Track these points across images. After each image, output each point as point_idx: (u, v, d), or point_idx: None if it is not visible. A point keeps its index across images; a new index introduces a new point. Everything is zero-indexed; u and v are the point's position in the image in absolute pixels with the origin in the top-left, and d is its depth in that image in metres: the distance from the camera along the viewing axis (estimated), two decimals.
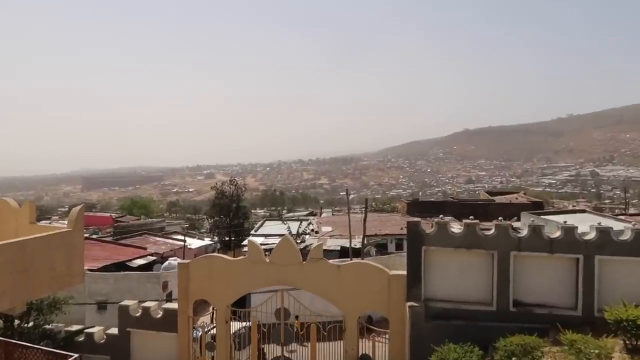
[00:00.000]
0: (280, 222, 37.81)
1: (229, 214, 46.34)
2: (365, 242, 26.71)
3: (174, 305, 15.17)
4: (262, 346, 15.11)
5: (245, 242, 30.42)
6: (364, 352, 13.51)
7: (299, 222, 34.51)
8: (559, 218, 22.49)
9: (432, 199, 69.74)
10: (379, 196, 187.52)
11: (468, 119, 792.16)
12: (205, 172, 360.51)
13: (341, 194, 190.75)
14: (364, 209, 31.43)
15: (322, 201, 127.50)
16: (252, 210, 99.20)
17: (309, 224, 34.87)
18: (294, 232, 31.02)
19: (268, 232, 33.15)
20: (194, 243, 37.21)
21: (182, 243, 33.41)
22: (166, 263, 25.11)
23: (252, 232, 35.28)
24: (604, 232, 11.96)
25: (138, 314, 15.26)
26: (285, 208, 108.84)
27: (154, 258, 28.25)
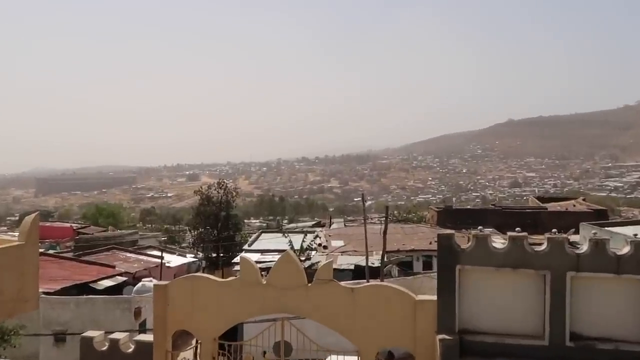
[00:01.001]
0: (279, 234, 37.92)
1: (216, 225, 46.55)
2: (386, 259, 26.77)
3: (148, 337, 15.23)
4: None
5: (236, 260, 30.54)
6: None
7: (303, 235, 34.60)
8: (628, 230, 22.33)
9: (469, 206, 69.65)
10: (403, 203, 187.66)
11: (512, 108, 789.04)
12: (187, 173, 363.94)
13: (355, 200, 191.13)
14: (383, 219, 31.48)
15: (331, 209, 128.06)
16: (245, 220, 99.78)
17: (315, 237, 34.95)
18: (297, 247, 31.12)
19: (265, 247, 33.26)
20: (173, 260, 37.42)
21: (158, 260, 33.59)
22: (139, 285, 25.23)
23: (245, 247, 35.43)
24: None
25: (104, 348, 15.33)
26: (286, 217, 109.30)
27: (124, 279, 28.40)
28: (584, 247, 12.65)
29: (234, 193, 49.41)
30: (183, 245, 54.38)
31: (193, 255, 43.39)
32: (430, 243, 32.08)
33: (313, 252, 31.51)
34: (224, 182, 49.67)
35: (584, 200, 49.24)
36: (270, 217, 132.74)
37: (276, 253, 29.76)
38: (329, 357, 14.83)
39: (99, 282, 26.46)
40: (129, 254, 35.98)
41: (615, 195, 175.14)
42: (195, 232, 47.97)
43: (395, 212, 61.16)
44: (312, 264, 27.44)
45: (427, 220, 45.69)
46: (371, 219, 54.14)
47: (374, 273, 25.91)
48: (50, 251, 35.97)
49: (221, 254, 44.09)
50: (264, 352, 15.13)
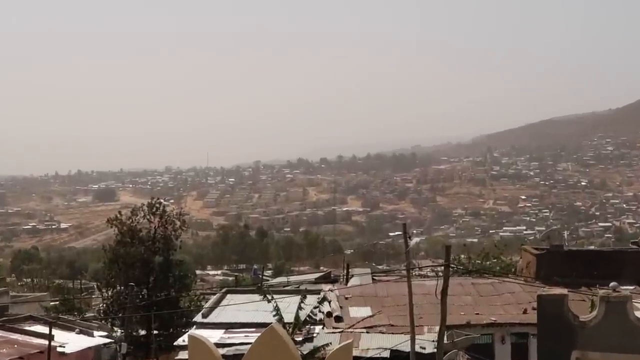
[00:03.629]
0: (258, 296, 37.73)
1: (146, 279, 46.47)
2: (447, 340, 26.72)
3: None
4: None
5: (182, 341, 30.32)
6: None
7: (299, 297, 34.42)
8: None
9: (592, 246, 68.91)
10: (475, 239, 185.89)
11: None
12: (94, 187, 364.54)
13: (391, 234, 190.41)
14: (441, 269, 31.39)
15: (349, 250, 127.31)
16: (199, 271, 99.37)
17: (321, 301, 34.76)
18: (290, 318, 30.93)
19: (232, 319, 33.14)
20: (71, 342, 37.24)
21: (44, 342, 33.49)
22: None
23: (198, 318, 35.29)
24: None
25: None
26: (270, 265, 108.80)
27: None
28: None
29: (179, 223, 49.43)
30: (88, 315, 54.13)
31: (106, 333, 43.15)
32: (526, 312, 31.86)
33: (317, 328, 31.38)
34: (160, 203, 49.71)
35: None
36: (242, 265, 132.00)
37: (252, 329, 29.57)
38: None
39: None
40: None
41: None
42: (110, 293, 47.89)
43: (463, 255, 60.78)
44: (316, 349, 27.37)
45: (520, 270, 45.37)
46: (419, 268, 53.75)
47: None
48: None
49: (156, 331, 43.98)
50: None
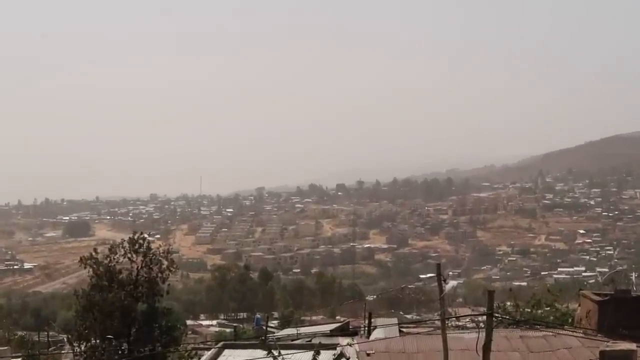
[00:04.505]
0: (262, 351, 37.74)
1: (126, 330, 46.46)
2: None
3: None
4: None
5: None
6: None
7: (312, 354, 34.38)
8: None
9: None
10: (524, 283, 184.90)
11: None
12: (65, 219, 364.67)
13: (422, 277, 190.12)
14: (482, 318, 31.35)
15: (371, 296, 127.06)
16: (190, 321, 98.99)
17: (337, 358, 34.81)
18: None
19: None
20: None
21: None
22: None
23: None
24: None
25: None
26: (276, 314, 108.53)
27: None
28: None
29: (166, 262, 49.49)
30: None
31: None
32: None
33: None
34: (143, 238, 49.80)
35: None
36: (242, 314, 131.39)
37: None
38: None
39: None
40: None
41: None
42: (84, 347, 47.94)
43: (509, 302, 60.50)
44: None
45: (578, 320, 45.13)
46: (457, 318, 53.53)
47: None
48: None
49: None
50: None
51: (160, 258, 49.14)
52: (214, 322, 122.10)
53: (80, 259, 50.79)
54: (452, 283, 35.62)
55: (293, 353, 35.40)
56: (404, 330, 47.01)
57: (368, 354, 36.74)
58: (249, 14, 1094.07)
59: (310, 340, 43.87)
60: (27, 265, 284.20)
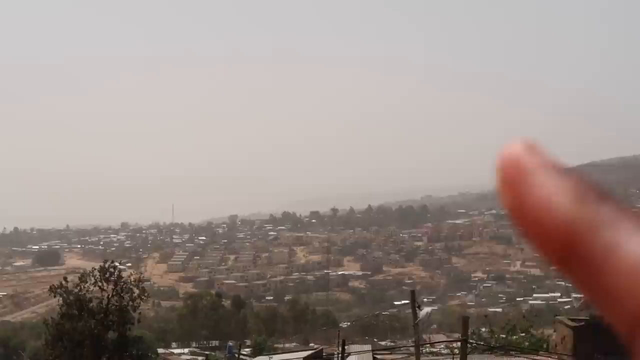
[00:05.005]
0: None
1: (96, 359, 46.18)
2: None
3: None
4: None
5: None
6: None
7: None
8: None
9: None
10: (499, 309, 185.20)
11: None
12: (34, 248, 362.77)
13: (397, 303, 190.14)
14: (458, 344, 31.43)
15: (344, 323, 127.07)
16: (161, 350, 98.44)
17: None
18: None
19: None
20: None
21: None
22: None
23: None
24: None
25: None
26: (249, 341, 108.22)
27: None
28: None
29: (137, 291, 49.34)
30: None
31: None
32: None
33: None
34: (114, 267, 49.65)
35: None
36: (214, 342, 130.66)
37: None
38: None
39: None
40: None
41: None
42: None
43: (484, 328, 60.72)
44: None
45: (553, 346, 45.35)
46: (431, 344, 53.71)
47: None
48: None
49: None
50: None
51: (131, 286, 49.06)
52: (186, 350, 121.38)
53: (50, 287, 50.62)
54: (426, 310, 35.68)
55: None
56: (378, 357, 47.15)
57: None
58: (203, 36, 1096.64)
59: None
60: None
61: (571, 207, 1.19)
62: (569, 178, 1.23)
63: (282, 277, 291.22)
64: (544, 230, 0.91)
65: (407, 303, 40.50)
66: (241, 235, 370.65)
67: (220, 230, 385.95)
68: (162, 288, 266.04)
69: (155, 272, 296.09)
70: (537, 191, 1.23)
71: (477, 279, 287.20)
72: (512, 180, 1.26)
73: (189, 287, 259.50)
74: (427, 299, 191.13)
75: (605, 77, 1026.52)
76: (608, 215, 1.18)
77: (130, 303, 48.47)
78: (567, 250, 1.20)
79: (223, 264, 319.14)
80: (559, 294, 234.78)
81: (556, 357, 39.80)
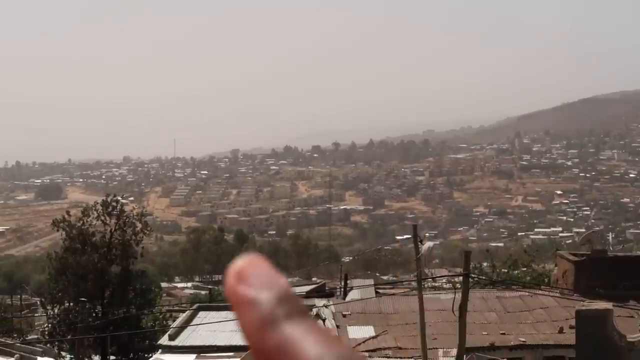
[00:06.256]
0: None
1: (100, 293, 46.37)
2: None
3: None
4: None
5: None
6: None
7: None
8: None
9: None
10: (501, 244, 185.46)
11: None
12: (36, 182, 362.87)
13: (399, 238, 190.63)
14: (458, 279, 31.44)
15: (347, 258, 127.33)
16: (165, 284, 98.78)
17: (314, 318, 34.89)
18: None
19: (205, 342, 33.18)
20: None
21: None
22: None
23: (164, 340, 35.32)
24: None
25: None
26: None
27: None
28: None
29: (140, 225, 49.36)
30: (31, 337, 54.12)
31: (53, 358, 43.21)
32: (562, 331, 31.93)
33: None
34: (117, 201, 49.64)
35: None
36: (217, 277, 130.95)
37: (230, 353, 29.60)
38: None
39: None
40: None
41: None
42: (57, 310, 47.83)
43: (486, 263, 60.89)
44: None
45: (554, 281, 45.41)
46: (433, 279, 53.88)
47: None
48: None
49: (113, 356, 43.96)
50: None
51: (133, 220, 49.04)
52: (189, 284, 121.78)
53: (53, 221, 50.63)
54: (428, 244, 35.57)
55: None
56: (380, 291, 47.24)
57: (344, 315, 36.88)
58: None
59: None
60: None
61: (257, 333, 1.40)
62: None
63: (284, 212, 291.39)
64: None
65: (409, 237, 40.48)
66: (243, 169, 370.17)
67: (222, 165, 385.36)
68: (164, 222, 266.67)
69: (158, 207, 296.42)
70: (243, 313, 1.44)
71: (478, 213, 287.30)
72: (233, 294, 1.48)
73: (191, 222, 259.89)
74: (429, 233, 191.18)
75: (605, 12, 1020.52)
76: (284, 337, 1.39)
77: (133, 237, 48.53)
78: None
79: (225, 198, 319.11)
80: (560, 229, 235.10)
81: (557, 291, 39.87)
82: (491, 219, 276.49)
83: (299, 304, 1.22)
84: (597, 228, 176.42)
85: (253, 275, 1.26)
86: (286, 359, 1.40)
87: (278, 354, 1.42)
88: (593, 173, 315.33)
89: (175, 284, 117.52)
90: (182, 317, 40.55)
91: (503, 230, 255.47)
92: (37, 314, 61.82)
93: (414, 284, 33.67)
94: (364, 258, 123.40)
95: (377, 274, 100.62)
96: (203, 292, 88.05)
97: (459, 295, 27.00)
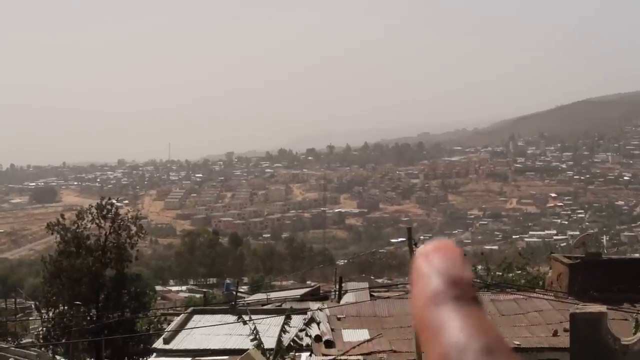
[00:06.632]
0: (232, 316, 37.81)
1: (95, 297, 46.33)
2: None
3: None
4: None
5: None
6: None
7: (283, 319, 34.51)
8: None
9: (636, 254, 69.03)
10: (496, 247, 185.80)
11: None
12: (30, 185, 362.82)
13: (394, 241, 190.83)
14: None
15: (341, 261, 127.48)
16: (159, 287, 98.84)
17: (308, 322, 34.92)
18: (271, 343, 31.05)
19: (200, 345, 33.18)
20: None
21: None
22: None
23: (158, 344, 35.32)
24: None
25: None
26: (246, 279, 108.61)
27: None
28: None
29: (135, 228, 49.31)
30: (25, 341, 54.08)
31: None
32: (556, 334, 31.97)
33: (304, 355, 31.35)
34: (111, 204, 49.57)
35: None
36: (211, 280, 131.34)
37: (225, 357, 29.54)
38: None
39: None
40: None
41: None
42: (52, 314, 47.78)
43: (480, 266, 60.83)
44: None
45: (549, 283, 45.49)
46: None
47: None
48: None
49: (107, 359, 43.92)
50: None
51: (128, 224, 48.96)
52: (184, 287, 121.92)
53: (48, 224, 50.54)
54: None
55: (263, 318, 35.54)
56: (374, 294, 47.26)
57: (339, 318, 36.87)
58: None
59: (280, 305, 44.02)
60: None
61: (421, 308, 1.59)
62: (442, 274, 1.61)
63: (279, 215, 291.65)
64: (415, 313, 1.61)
65: (404, 240, 40.54)
66: (238, 172, 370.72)
67: (217, 168, 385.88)
68: (159, 225, 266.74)
69: (153, 210, 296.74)
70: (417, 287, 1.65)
71: (473, 216, 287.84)
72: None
73: (186, 225, 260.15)
74: (424, 236, 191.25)
75: (599, 16, 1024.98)
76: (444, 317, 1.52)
77: (128, 240, 48.41)
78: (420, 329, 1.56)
79: (220, 201, 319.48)
80: (554, 232, 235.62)
81: (552, 294, 39.92)
82: (486, 222, 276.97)
83: (471, 292, 1.57)
84: (592, 231, 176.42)
85: (439, 257, 1.68)
86: (435, 335, 1.51)
87: (430, 329, 1.53)
88: (587, 176, 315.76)
89: (169, 287, 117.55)
90: (177, 320, 40.51)
91: (497, 233, 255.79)
92: (31, 318, 61.81)
93: (409, 287, 33.67)
94: (358, 261, 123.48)
95: (372, 277, 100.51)
96: (198, 296, 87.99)
97: None
